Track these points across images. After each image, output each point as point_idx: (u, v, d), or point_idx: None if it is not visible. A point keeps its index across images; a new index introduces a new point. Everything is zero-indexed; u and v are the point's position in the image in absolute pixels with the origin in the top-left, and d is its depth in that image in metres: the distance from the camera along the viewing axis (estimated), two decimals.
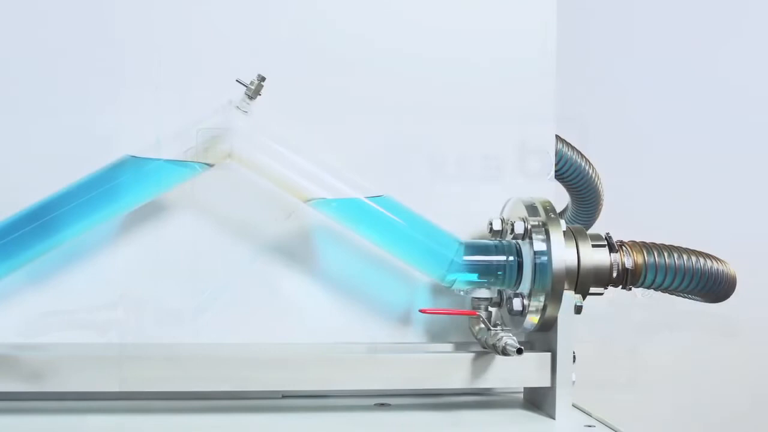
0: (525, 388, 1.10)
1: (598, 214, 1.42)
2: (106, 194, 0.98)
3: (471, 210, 1.10)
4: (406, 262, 1.04)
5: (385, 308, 1.10)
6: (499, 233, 1.06)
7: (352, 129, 1.10)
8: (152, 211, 1.05)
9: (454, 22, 1.12)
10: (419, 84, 1.11)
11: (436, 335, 1.11)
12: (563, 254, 0.99)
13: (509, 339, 0.96)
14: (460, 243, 1.04)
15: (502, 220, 1.07)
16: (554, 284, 0.98)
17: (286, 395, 1.08)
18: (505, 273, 1.03)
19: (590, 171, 1.33)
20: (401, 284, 1.10)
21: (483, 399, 1.10)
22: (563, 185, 1.33)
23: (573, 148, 1.30)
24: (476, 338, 1.03)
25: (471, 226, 1.10)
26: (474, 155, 1.13)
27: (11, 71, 1.05)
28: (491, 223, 1.07)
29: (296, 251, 1.09)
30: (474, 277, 1.03)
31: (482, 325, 1.02)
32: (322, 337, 1.09)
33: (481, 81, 1.13)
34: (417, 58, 1.11)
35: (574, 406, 1.02)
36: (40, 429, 0.98)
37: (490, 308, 1.05)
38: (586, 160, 1.33)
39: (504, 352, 0.96)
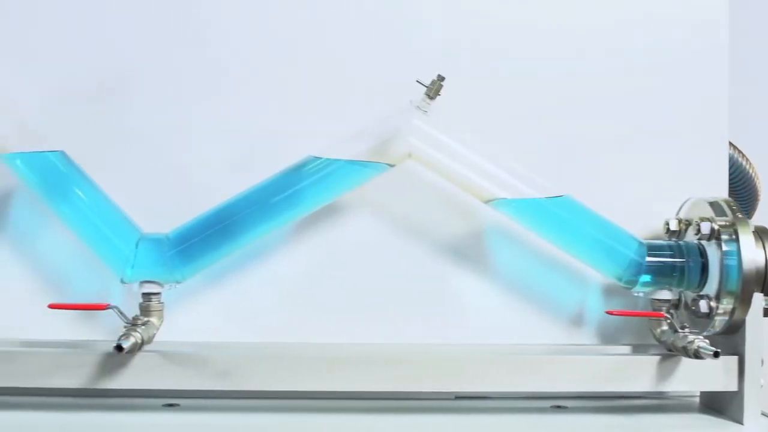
0: (702, 391, 1.07)
1: (753, 212, 1.39)
2: (290, 195, 0.98)
3: (638, 210, 1.08)
4: (586, 263, 1.03)
5: (556, 309, 1.09)
6: (676, 233, 1.04)
7: (526, 130, 1.09)
8: (328, 212, 1.05)
9: (625, 15, 1.10)
10: (587, 84, 1.10)
11: (608, 337, 1.09)
12: (753, 255, 0.96)
13: (701, 342, 0.94)
14: (641, 243, 1.02)
15: (679, 221, 1.04)
16: (744, 286, 0.96)
17: (459, 396, 1.07)
18: (684, 274, 1.01)
19: (749, 168, 1.30)
20: (572, 285, 1.09)
21: (658, 402, 1.08)
22: None
23: (732, 145, 1.27)
24: (659, 341, 1.01)
25: (641, 226, 1.07)
26: (642, 156, 1.11)
27: (203, 75, 1.07)
28: (668, 224, 1.05)
29: (470, 252, 1.08)
30: (655, 278, 1.01)
31: (666, 327, 1.00)
32: (493, 337, 1.08)
33: (652, 81, 1.11)
34: (584, 58, 1.10)
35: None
36: (229, 427, 0.99)
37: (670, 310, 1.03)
38: (744, 156, 1.30)
39: (697, 355, 0.94)
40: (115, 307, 0.95)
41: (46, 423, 0.97)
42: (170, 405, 1.03)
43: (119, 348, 0.90)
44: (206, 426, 1.00)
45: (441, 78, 0.99)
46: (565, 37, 1.10)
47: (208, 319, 1.06)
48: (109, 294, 1.05)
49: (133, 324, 0.95)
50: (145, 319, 0.97)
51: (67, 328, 1.05)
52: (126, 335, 0.92)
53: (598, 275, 1.06)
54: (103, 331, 1.05)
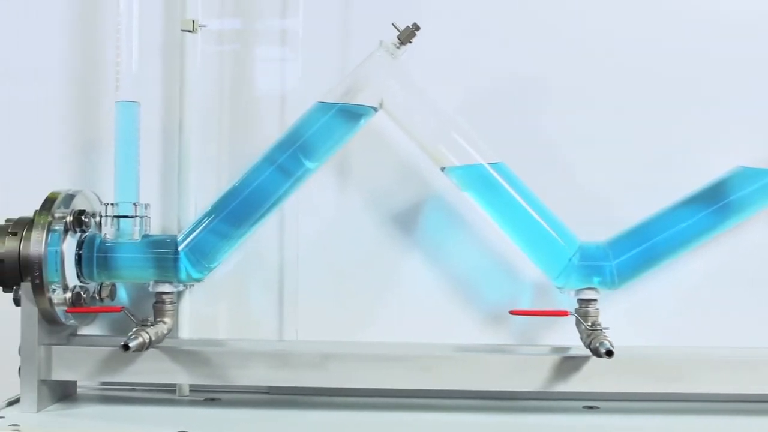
0: None
1: None
2: (719, 208, 1.01)
3: None
4: None
5: None
6: None
7: None
8: None
9: None
10: None
11: None
12: None
13: None
14: None
15: None
16: None
17: None
18: None
19: None
20: None
21: None
22: None
23: None
24: None
25: None
26: None
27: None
28: None
29: None
30: None
31: None
32: None
33: None
34: None
35: None
36: (651, 428, 1.02)
37: None
38: None
39: None
40: (574, 314, 0.98)
41: (469, 423, 1.01)
42: (590, 407, 1.06)
43: (609, 353, 0.92)
44: (626, 428, 1.02)
45: None
46: None
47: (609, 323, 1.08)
48: (518, 301, 1.09)
49: (593, 329, 0.98)
50: (603, 326, 0.99)
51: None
52: (599, 340, 0.95)
53: None
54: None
